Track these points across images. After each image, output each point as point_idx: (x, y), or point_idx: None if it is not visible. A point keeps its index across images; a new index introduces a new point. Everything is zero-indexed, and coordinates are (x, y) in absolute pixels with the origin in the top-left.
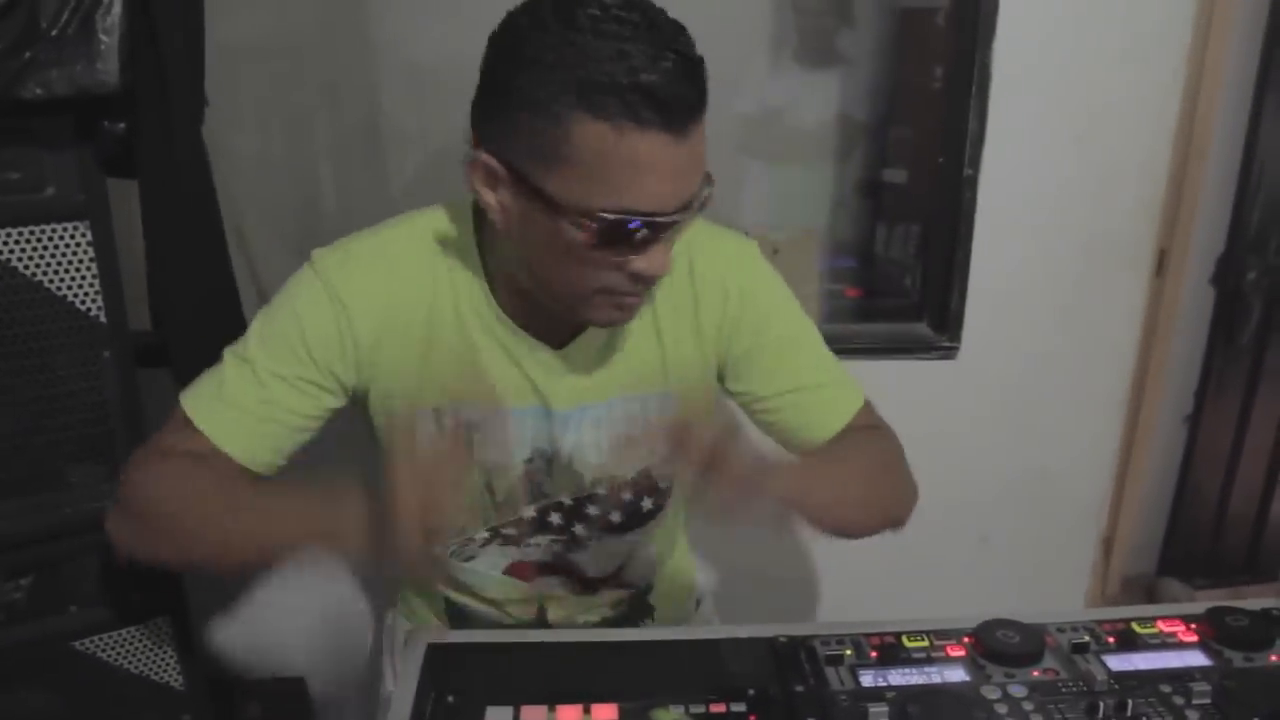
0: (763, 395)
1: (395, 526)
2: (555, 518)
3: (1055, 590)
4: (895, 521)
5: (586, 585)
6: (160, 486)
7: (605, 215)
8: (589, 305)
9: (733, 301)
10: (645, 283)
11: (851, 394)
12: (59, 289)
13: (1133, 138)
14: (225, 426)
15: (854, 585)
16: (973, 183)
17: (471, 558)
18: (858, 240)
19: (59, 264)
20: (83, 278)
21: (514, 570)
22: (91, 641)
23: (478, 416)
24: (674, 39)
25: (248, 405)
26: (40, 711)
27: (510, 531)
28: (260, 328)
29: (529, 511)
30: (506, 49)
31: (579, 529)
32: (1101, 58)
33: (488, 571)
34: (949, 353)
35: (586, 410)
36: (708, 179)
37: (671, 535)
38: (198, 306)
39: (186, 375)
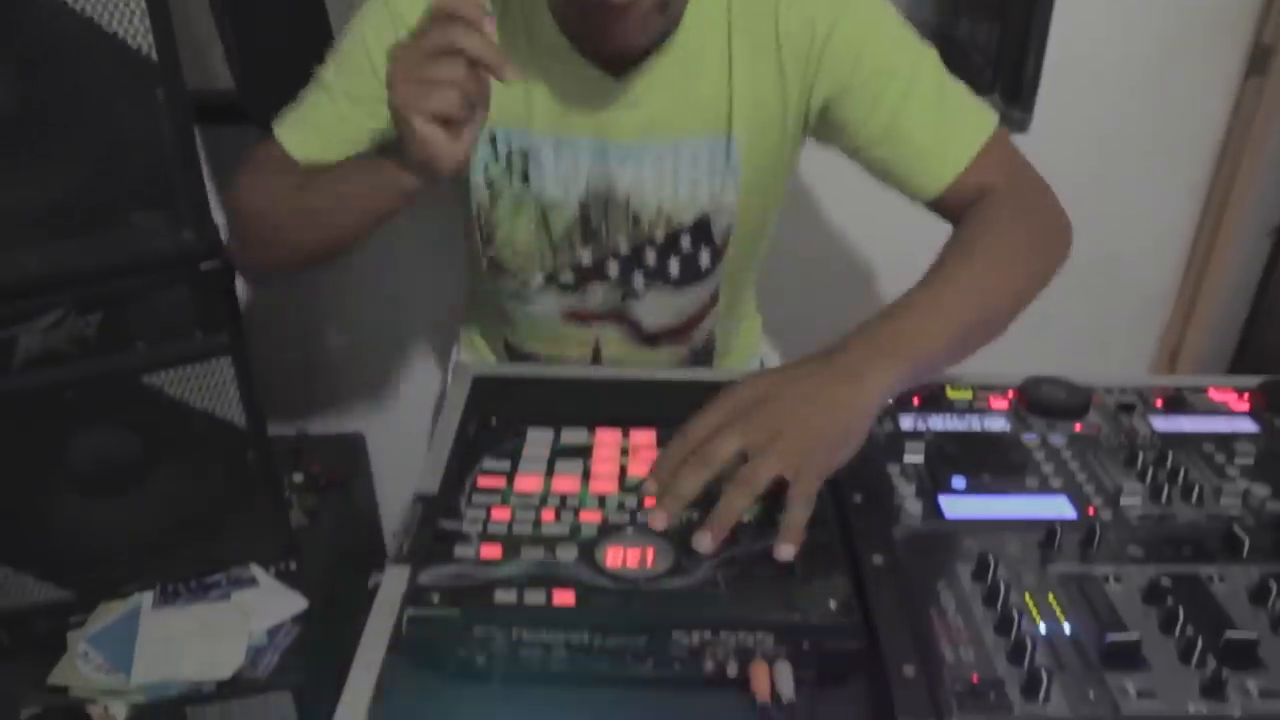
0: (863, 139)
1: (401, 124)
2: (612, 267)
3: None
4: (1054, 276)
5: (646, 339)
6: (253, 191)
7: None
8: (589, 11)
9: (821, 32)
10: None
11: (972, 128)
12: (110, 27)
13: None
14: (307, 144)
15: None
16: None
17: (528, 301)
18: (936, 22)
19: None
20: (133, 15)
21: (571, 317)
22: (159, 376)
23: (533, 143)
24: None
25: (325, 123)
26: (118, 445)
27: (567, 278)
28: (334, 53)
29: (585, 256)
30: None
31: (637, 279)
32: None
33: (544, 315)
34: (1020, 125)
35: (648, 147)
36: None
37: (737, 298)
38: (293, 53)
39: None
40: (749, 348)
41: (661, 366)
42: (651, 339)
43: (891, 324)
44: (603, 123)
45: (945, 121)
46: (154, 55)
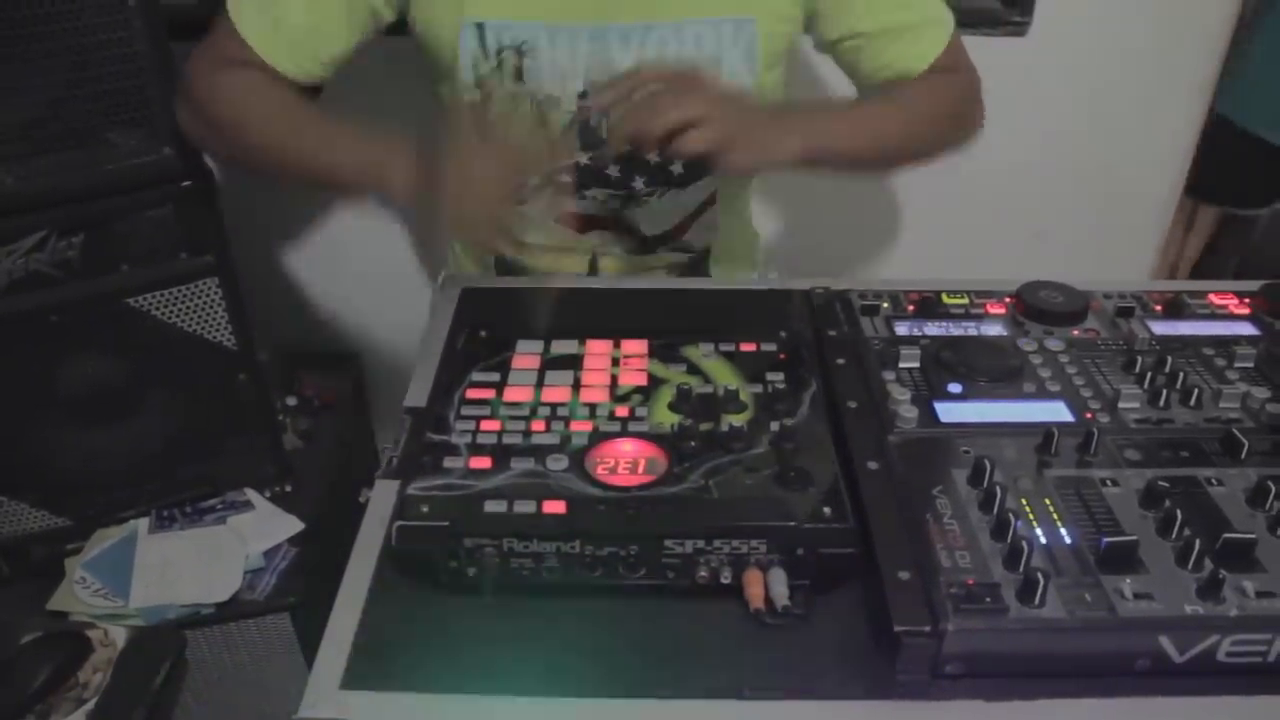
0: (853, 32)
1: (453, 203)
2: (613, 169)
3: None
4: (953, 153)
5: (643, 244)
6: (226, 96)
7: None
8: None
9: None
10: None
11: (941, 30)
12: None
13: None
14: (270, 41)
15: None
16: None
17: (523, 201)
18: None
19: None
20: None
21: (567, 220)
22: (145, 299)
23: (527, 34)
24: None
25: (292, 20)
26: (107, 369)
27: (564, 178)
28: None
29: (583, 158)
30: None
31: (638, 182)
32: None
33: (539, 217)
34: (1019, 29)
35: (652, 29)
36: None
37: (736, 198)
38: None
39: None
40: (746, 259)
41: (658, 274)
42: (649, 244)
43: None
44: (600, 5)
45: (919, 29)
46: None
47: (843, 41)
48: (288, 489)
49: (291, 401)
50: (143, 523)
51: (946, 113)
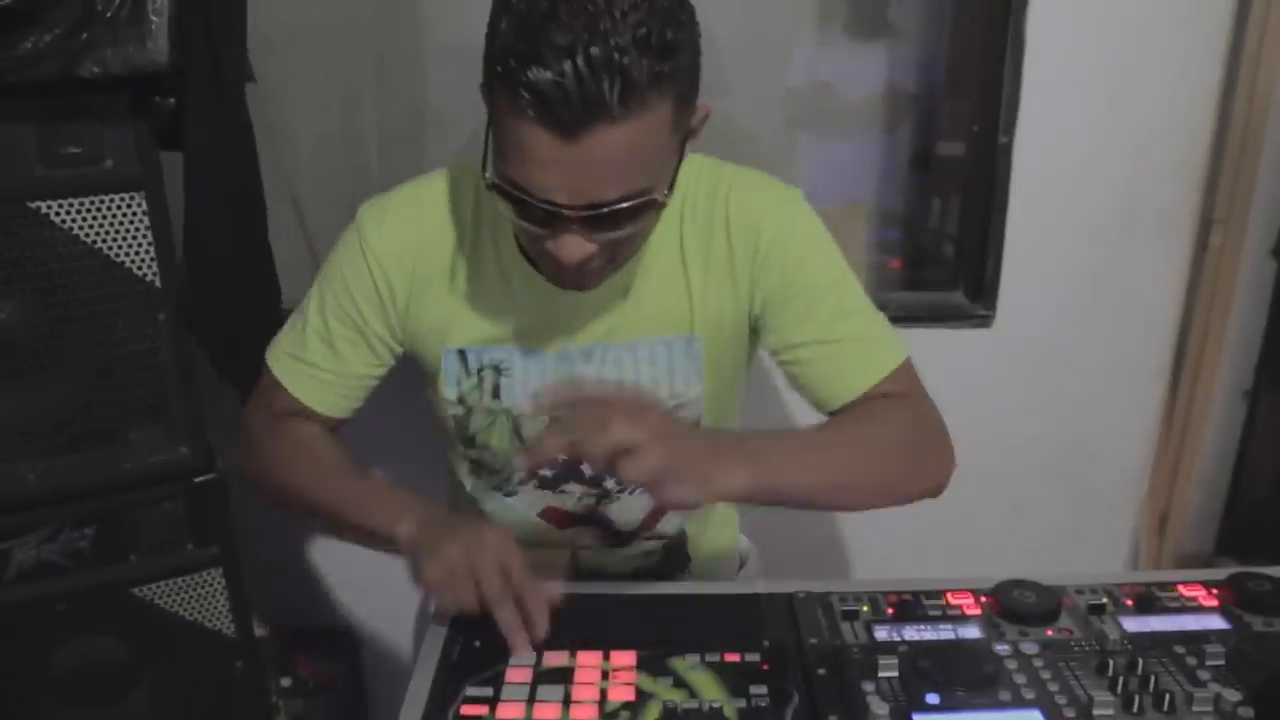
0: (789, 344)
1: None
2: (587, 467)
3: (1090, 564)
4: (922, 495)
5: (618, 538)
6: (277, 457)
7: (502, 185)
8: (544, 266)
9: (765, 244)
10: (564, 266)
11: (886, 353)
12: (117, 255)
13: (1172, 101)
14: (310, 390)
15: (884, 552)
16: (1007, 150)
17: (512, 494)
18: (906, 212)
19: (117, 232)
20: (139, 245)
21: (548, 515)
22: (150, 589)
23: (502, 357)
24: (613, 34)
25: (323, 368)
26: (106, 655)
27: (545, 473)
28: (319, 289)
29: (561, 454)
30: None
31: (609, 481)
32: (1139, 19)
33: (525, 512)
34: (984, 321)
35: (609, 349)
36: (652, 186)
37: None
38: (235, 272)
39: (216, 341)
40: (724, 540)
41: (635, 560)
42: (625, 537)
43: (768, 441)
44: (564, 331)
45: (863, 344)
46: (158, 282)
47: (782, 352)
48: None
49: (286, 682)
50: None
51: (904, 445)
